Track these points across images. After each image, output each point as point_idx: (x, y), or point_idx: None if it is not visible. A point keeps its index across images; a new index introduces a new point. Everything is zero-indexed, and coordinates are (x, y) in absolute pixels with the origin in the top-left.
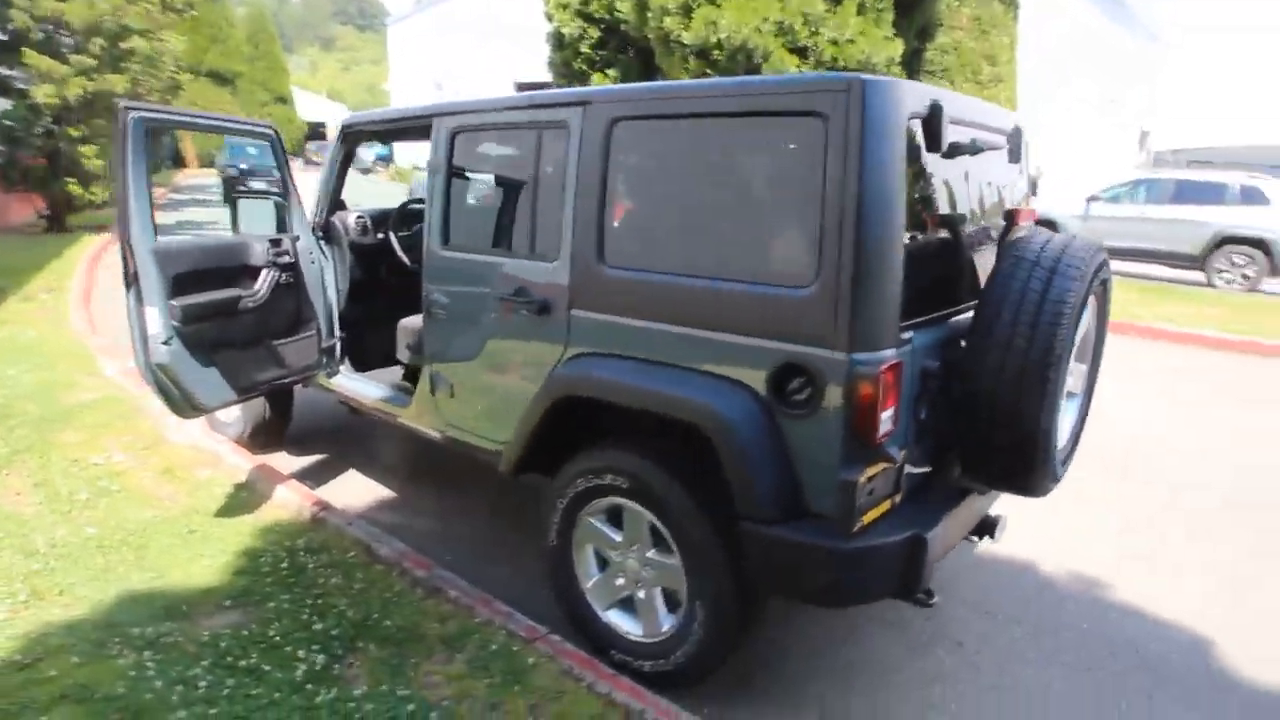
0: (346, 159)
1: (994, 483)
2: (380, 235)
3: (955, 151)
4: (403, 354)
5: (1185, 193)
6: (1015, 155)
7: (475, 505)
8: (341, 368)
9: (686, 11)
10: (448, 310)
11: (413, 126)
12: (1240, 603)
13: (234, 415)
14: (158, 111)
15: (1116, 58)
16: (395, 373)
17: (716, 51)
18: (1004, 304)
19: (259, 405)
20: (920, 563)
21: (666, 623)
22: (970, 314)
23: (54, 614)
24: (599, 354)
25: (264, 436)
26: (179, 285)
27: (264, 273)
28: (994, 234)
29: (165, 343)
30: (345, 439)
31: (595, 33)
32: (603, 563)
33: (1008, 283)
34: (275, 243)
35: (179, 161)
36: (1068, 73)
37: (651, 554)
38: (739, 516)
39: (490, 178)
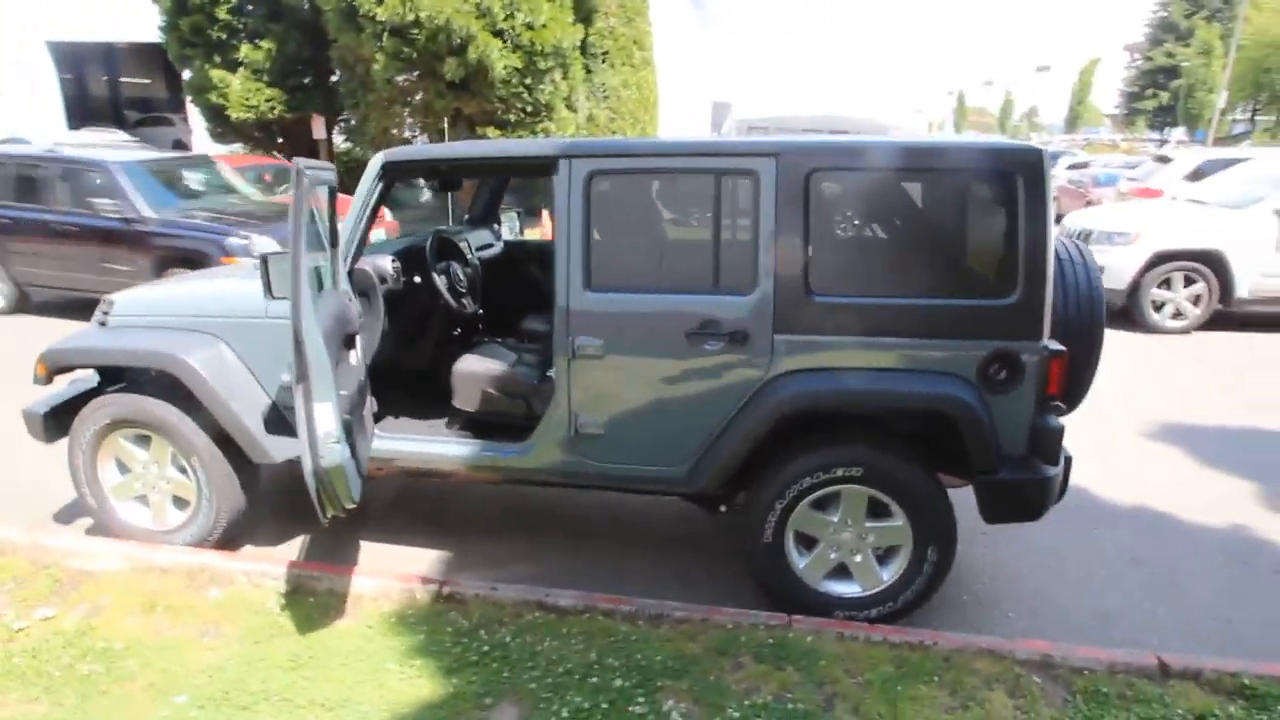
0: (381, 199)
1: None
2: (417, 278)
3: None
4: (469, 401)
5: None
6: None
7: (546, 542)
8: (403, 429)
9: None
10: (603, 351)
11: (499, 166)
12: None
13: (176, 515)
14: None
15: (694, 39)
16: (426, 425)
17: (415, 30)
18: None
19: (234, 492)
20: (1068, 475)
21: (886, 574)
22: None
23: None
24: (807, 371)
25: (237, 528)
26: None
27: (357, 338)
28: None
29: (338, 441)
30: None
31: None
32: (807, 544)
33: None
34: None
35: None
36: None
37: (870, 524)
38: (976, 472)
39: (643, 218)
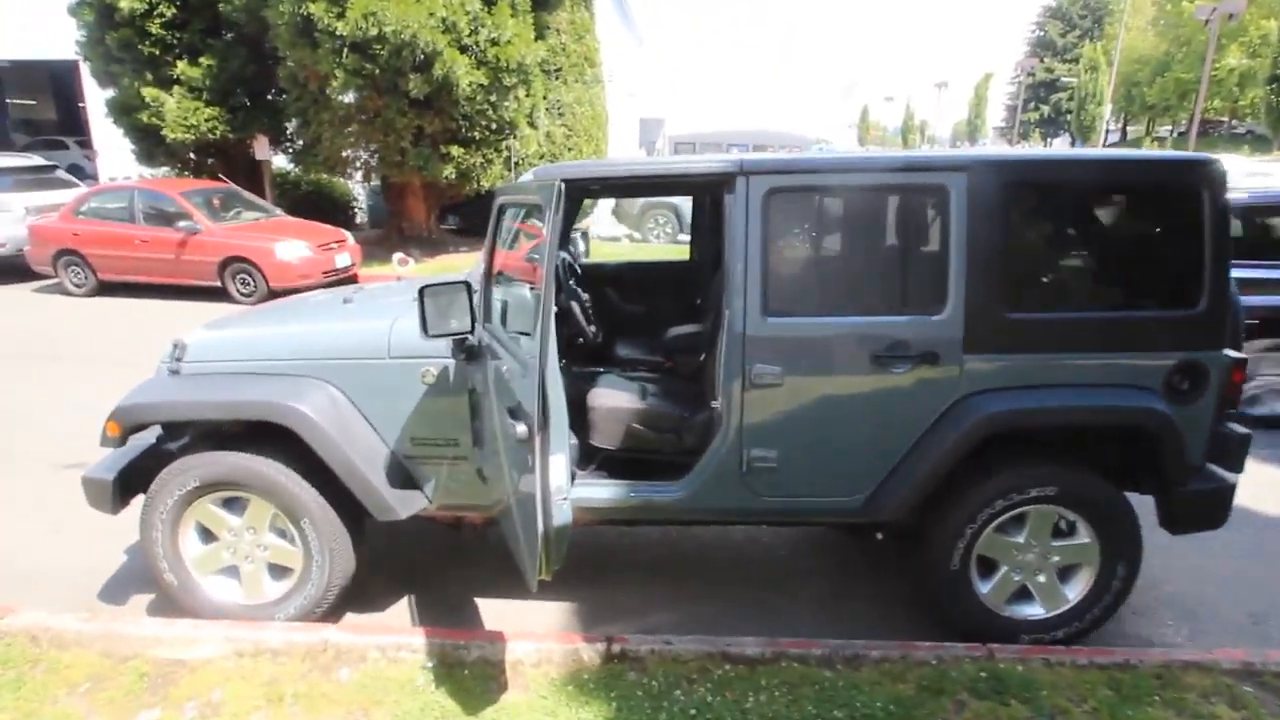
0: (570, 220)
1: None
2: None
3: None
4: (611, 438)
5: None
6: None
7: (662, 584)
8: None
9: (337, 0)
10: (783, 379)
11: (672, 183)
12: None
13: (274, 586)
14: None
15: (625, 56)
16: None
17: (377, 46)
18: None
19: (347, 555)
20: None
21: (1072, 593)
22: None
23: None
24: (1001, 390)
25: (346, 595)
26: None
27: None
28: None
29: (566, 498)
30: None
31: (169, 10)
32: (987, 569)
33: None
34: None
35: None
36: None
37: (1056, 543)
38: (1169, 484)
39: (824, 238)
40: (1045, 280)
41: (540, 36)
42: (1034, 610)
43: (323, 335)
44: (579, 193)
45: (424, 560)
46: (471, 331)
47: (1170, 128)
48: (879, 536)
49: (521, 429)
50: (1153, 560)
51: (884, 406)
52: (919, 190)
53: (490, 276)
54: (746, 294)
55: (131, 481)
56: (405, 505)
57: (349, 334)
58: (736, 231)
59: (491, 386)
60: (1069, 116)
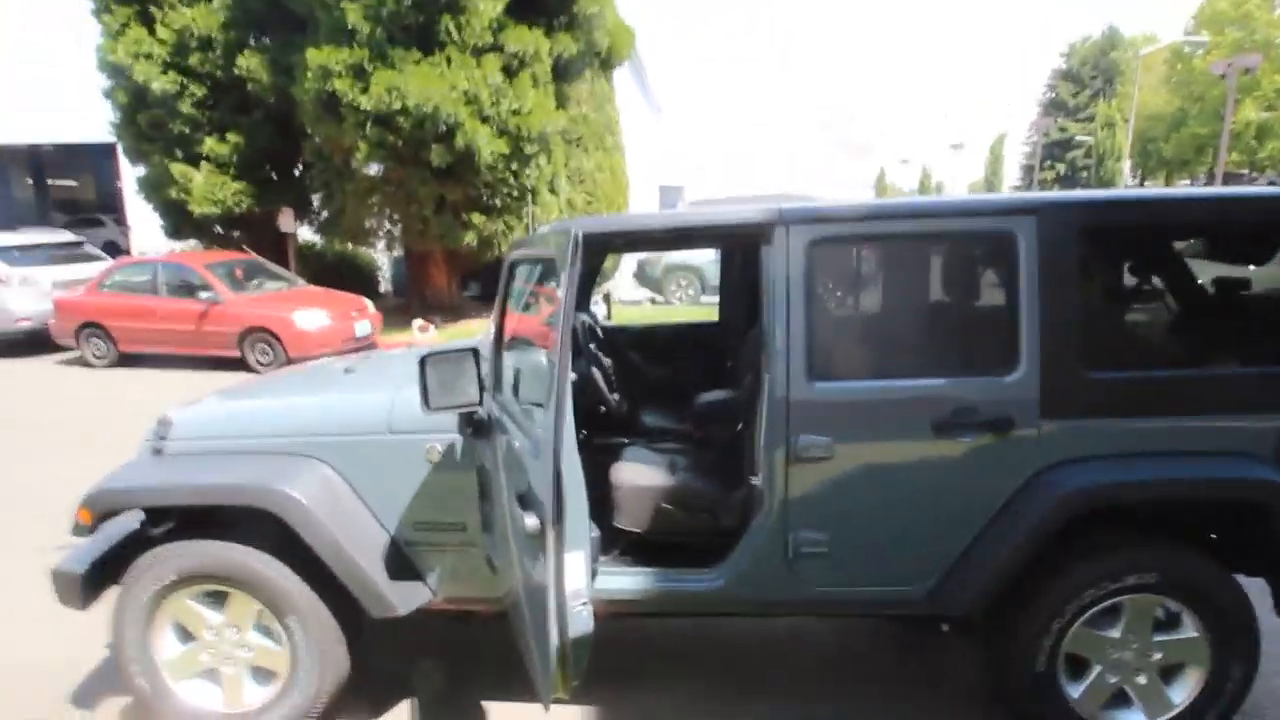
0: (591, 277)
1: None
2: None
3: None
4: (638, 520)
5: None
6: None
7: (693, 680)
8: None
9: (359, 75)
10: (831, 451)
11: (701, 236)
12: None
13: (257, 692)
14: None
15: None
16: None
17: (400, 118)
18: None
19: (340, 656)
20: None
21: (1179, 697)
22: None
23: None
24: (1085, 460)
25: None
26: None
27: None
28: None
29: (586, 603)
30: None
31: (200, 90)
32: (1076, 668)
33: None
34: None
35: None
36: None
37: (1159, 638)
38: None
39: (876, 292)
40: (1132, 333)
41: (561, 106)
42: (1135, 718)
43: (317, 408)
44: (599, 246)
45: (427, 656)
46: (480, 403)
47: (1189, 181)
48: (944, 628)
49: (533, 521)
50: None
51: (949, 481)
52: (982, 238)
53: (501, 342)
54: (789, 356)
55: (105, 573)
56: (405, 600)
57: (346, 407)
58: (777, 288)
59: (501, 465)
60: (1085, 173)
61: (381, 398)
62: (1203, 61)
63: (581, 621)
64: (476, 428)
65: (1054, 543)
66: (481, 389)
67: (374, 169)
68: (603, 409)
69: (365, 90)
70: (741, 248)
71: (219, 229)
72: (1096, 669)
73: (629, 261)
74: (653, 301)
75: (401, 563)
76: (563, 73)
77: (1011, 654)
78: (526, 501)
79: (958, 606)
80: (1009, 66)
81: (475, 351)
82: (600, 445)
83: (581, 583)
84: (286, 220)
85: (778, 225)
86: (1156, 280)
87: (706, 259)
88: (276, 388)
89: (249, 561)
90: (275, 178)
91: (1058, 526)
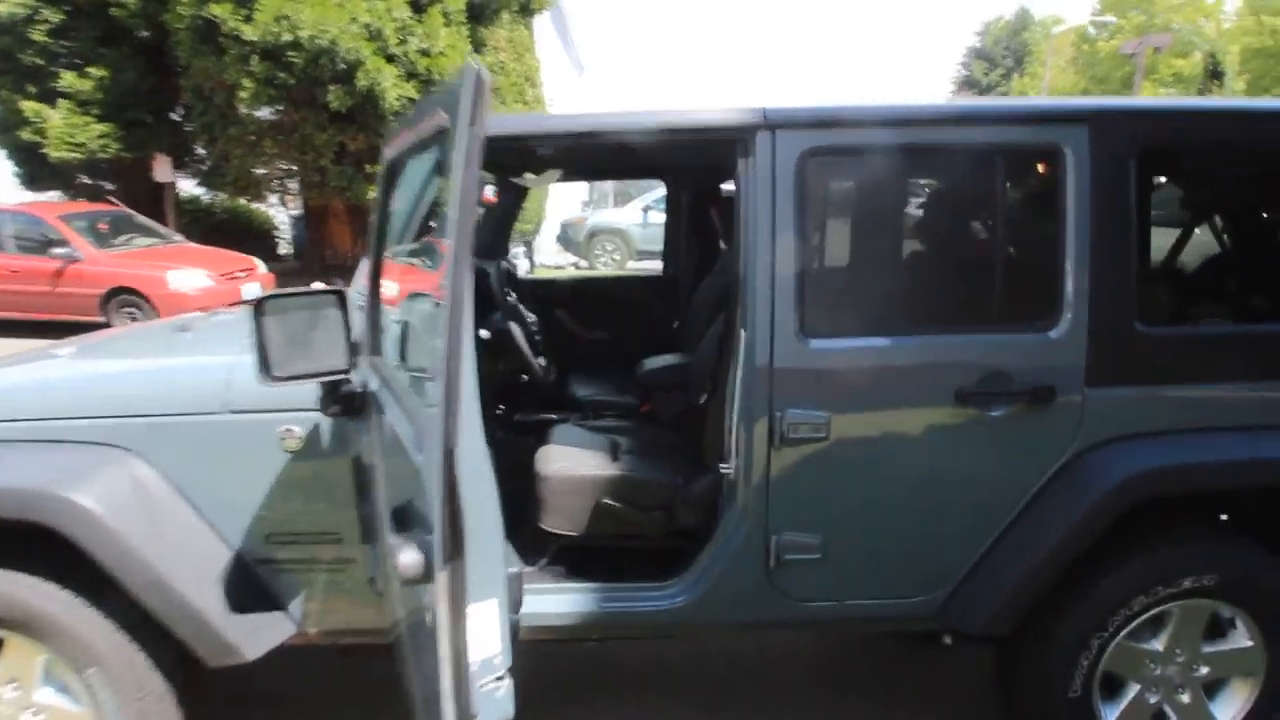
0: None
1: None
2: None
3: None
4: (570, 521)
5: None
6: None
7: (659, 704)
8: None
9: (244, 1)
10: (827, 430)
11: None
12: None
13: None
14: None
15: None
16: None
17: (292, 53)
18: None
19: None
20: None
21: (1224, 716)
22: None
23: None
24: (1137, 438)
25: None
26: None
27: None
28: None
29: (502, 676)
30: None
31: (56, 15)
32: (1111, 686)
33: None
34: None
35: None
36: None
37: (1209, 649)
38: None
39: (884, 224)
40: (1204, 281)
41: (477, 50)
42: None
43: (128, 378)
44: (513, 160)
45: (306, 693)
46: (348, 370)
47: None
48: (946, 641)
49: (412, 557)
50: None
51: (975, 466)
52: (1019, 153)
53: (379, 282)
54: (774, 306)
55: None
56: (256, 639)
57: (169, 376)
58: (759, 216)
59: (381, 458)
60: None
61: (218, 363)
62: (1107, 44)
63: (497, 708)
64: (346, 404)
65: (1104, 541)
66: (352, 350)
67: (263, 112)
68: (525, 377)
69: (249, 19)
70: (699, 175)
71: (85, 178)
72: (1135, 688)
73: (551, 224)
74: (575, 267)
75: (250, 589)
76: (478, 13)
77: (1044, 677)
78: (404, 521)
79: (982, 623)
80: (924, 42)
81: (341, 295)
82: (522, 423)
83: (495, 648)
84: (162, 169)
85: (760, 130)
86: (1236, 216)
87: (633, 220)
88: (81, 352)
89: (27, 598)
90: (150, 120)
91: (1110, 520)
